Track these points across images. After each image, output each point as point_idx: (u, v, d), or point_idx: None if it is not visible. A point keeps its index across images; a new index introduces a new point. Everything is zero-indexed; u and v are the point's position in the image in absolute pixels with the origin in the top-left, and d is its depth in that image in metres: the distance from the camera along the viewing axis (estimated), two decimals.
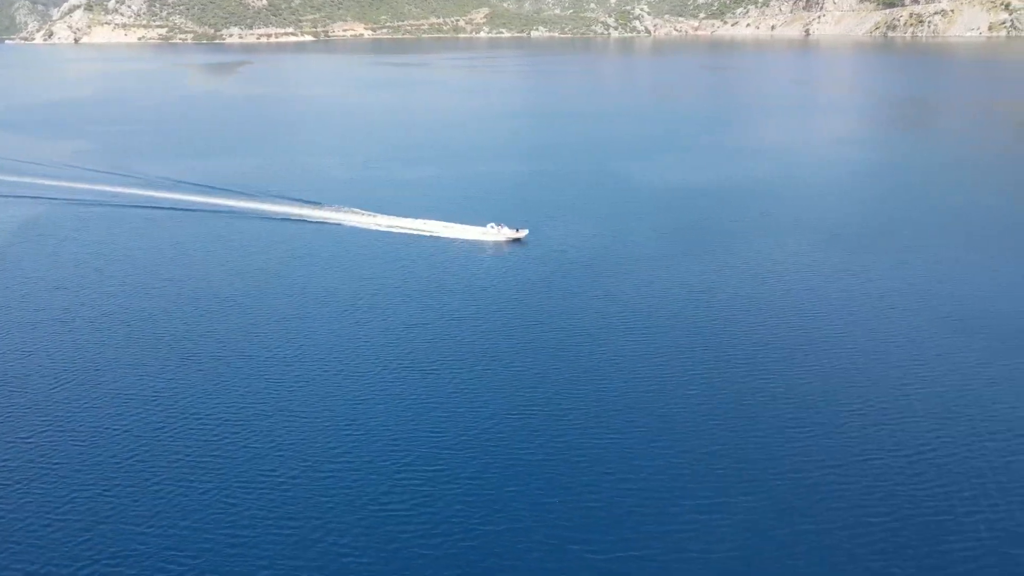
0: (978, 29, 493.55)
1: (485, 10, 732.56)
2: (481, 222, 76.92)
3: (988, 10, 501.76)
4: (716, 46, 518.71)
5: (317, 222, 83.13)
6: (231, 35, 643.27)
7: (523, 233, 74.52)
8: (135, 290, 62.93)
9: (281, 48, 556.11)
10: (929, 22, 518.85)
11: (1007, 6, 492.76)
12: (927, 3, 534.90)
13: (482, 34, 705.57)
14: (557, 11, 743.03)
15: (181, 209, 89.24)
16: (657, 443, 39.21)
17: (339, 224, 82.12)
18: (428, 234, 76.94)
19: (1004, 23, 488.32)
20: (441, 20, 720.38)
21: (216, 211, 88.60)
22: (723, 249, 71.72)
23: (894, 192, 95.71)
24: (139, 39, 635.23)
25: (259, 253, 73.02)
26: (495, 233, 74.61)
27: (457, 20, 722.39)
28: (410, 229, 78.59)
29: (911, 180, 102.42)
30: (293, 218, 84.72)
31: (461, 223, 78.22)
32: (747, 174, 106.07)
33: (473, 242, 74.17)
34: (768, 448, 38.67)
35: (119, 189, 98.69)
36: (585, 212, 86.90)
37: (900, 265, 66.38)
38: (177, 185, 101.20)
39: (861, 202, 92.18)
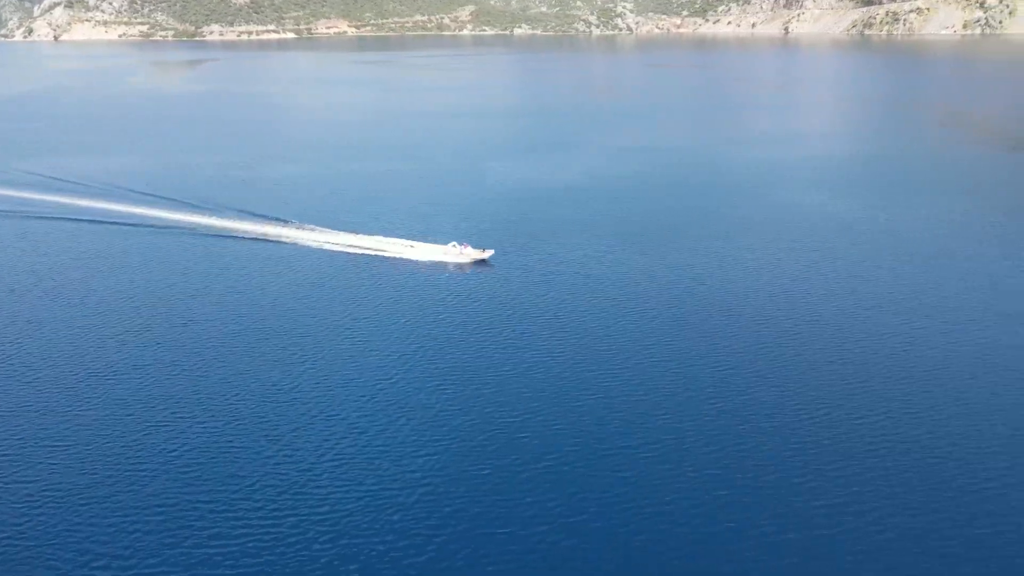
0: (952, 27, 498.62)
1: (471, 7, 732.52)
2: (443, 240, 71.98)
3: (963, 8, 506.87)
4: (695, 44, 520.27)
5: (252, 239, 75.88)
6: (212, 32, 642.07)
7: (488, 253, 69.26)
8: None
9: (262, 46, 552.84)
10: (904, 20, 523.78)
11: (982, 4, 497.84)
12: (903, 1, 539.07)
13: (465, 32, 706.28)
14: (543, 9, 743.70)
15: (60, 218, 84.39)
16: (637, 468, 38.65)
17: (279, 241, 75.21)
18: (383, 254, 71.22)
19: (978, 21, 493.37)
20: (426, 18, 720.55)
21: (118, 221, 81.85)
22: (700, 257, 70.13)
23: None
24: (120, 36, 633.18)
25: (184, 272, 66.91)
26: (457, 253, 69.24)
27: (442, 18, 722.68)
28: (362, 248, 72.53)
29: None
30: (216, 233, 77.23)
31: (420, 241, 73.00)
32: (726, 174, 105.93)
33: (433, 264, 68.71)
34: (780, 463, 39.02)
35: None
36: (555, 227, 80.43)
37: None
38: (52, 185, 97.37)
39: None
